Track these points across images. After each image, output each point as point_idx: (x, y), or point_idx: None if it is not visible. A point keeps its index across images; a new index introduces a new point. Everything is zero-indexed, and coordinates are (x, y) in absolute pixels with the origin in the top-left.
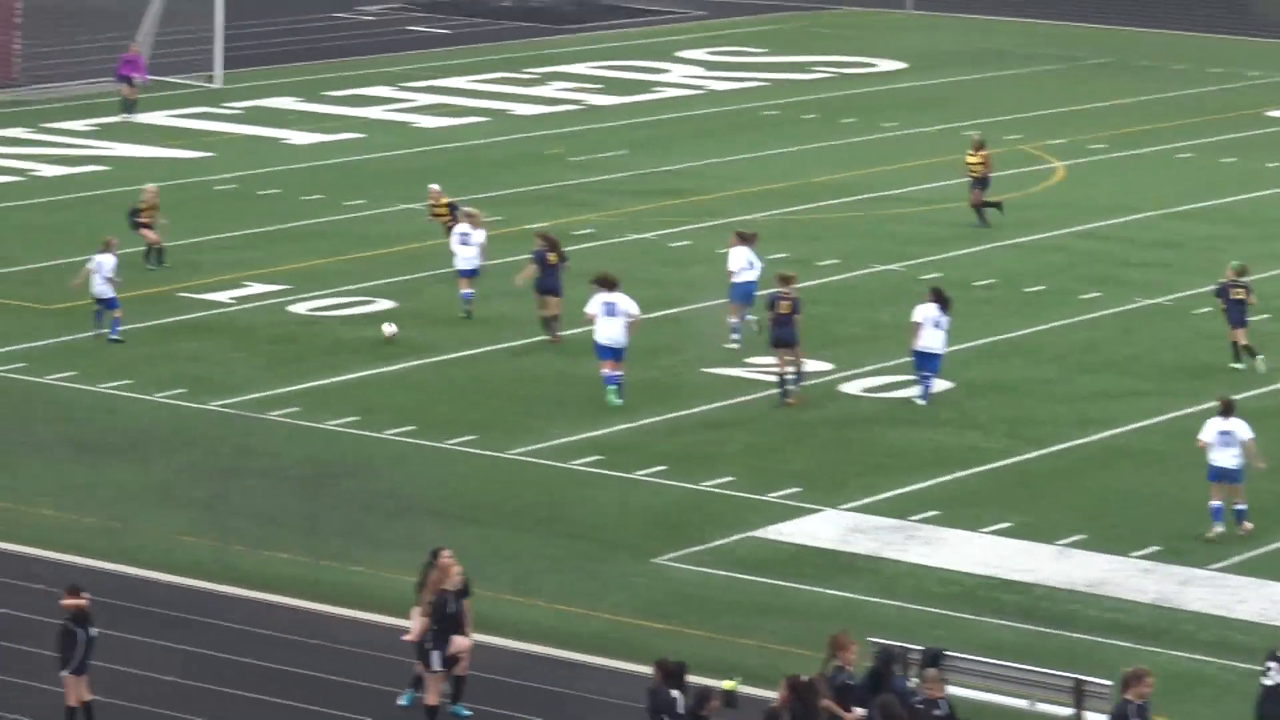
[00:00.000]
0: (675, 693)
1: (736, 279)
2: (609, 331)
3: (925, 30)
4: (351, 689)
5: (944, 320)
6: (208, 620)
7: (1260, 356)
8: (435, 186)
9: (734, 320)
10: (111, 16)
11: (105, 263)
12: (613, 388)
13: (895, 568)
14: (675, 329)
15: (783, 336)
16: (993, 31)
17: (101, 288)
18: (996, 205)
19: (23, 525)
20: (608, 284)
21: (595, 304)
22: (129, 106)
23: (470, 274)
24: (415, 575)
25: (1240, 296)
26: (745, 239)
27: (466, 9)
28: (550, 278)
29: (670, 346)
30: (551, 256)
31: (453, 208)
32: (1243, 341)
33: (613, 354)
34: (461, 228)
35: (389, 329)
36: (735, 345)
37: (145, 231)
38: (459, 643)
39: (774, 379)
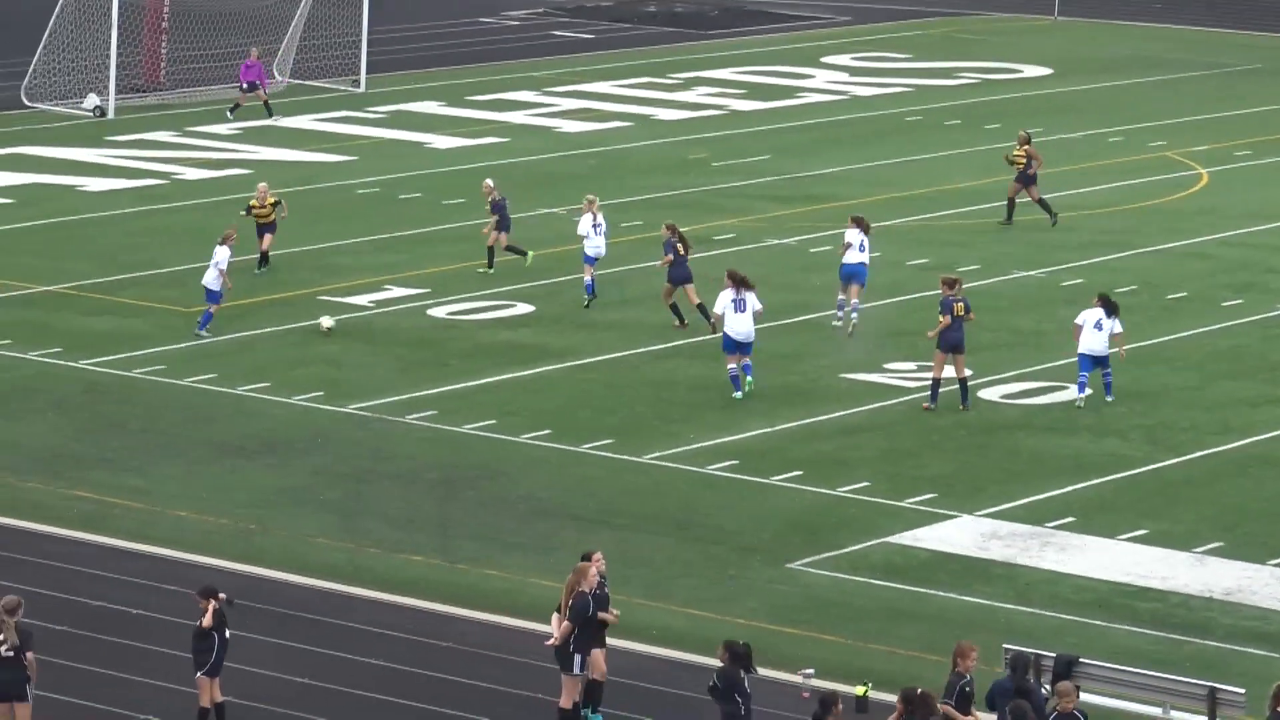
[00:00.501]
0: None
1: (846, 259)
2: (738, 326)
3: (1070, 36)
4: (482, 692)
5: (1105, 324)
6: (340, 622)
7: None
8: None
9: (841, 298)
10: (257, 21)
11: (219, 254)
12: (749, 379)
13: (1030, 574)
14: (814, 334)
15: (955, 340)
16: (1138, 37)
17: (212, 279)
18: (1046, 208)
19: (158, 527)
20: (736, 280)
21: (723, 300)
22: (262, 107)
23: (593, 261)
24: (548, 579)
25: None
26: (859, 222)
27: (610, 14)
28: (682, 266)
29: (809, 351)
30: (680, 246)
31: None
32: None
33: (739, 349)
34: (591, 217)
35: (327, 322)
36: (839, 324)
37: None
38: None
39: (932, 382)
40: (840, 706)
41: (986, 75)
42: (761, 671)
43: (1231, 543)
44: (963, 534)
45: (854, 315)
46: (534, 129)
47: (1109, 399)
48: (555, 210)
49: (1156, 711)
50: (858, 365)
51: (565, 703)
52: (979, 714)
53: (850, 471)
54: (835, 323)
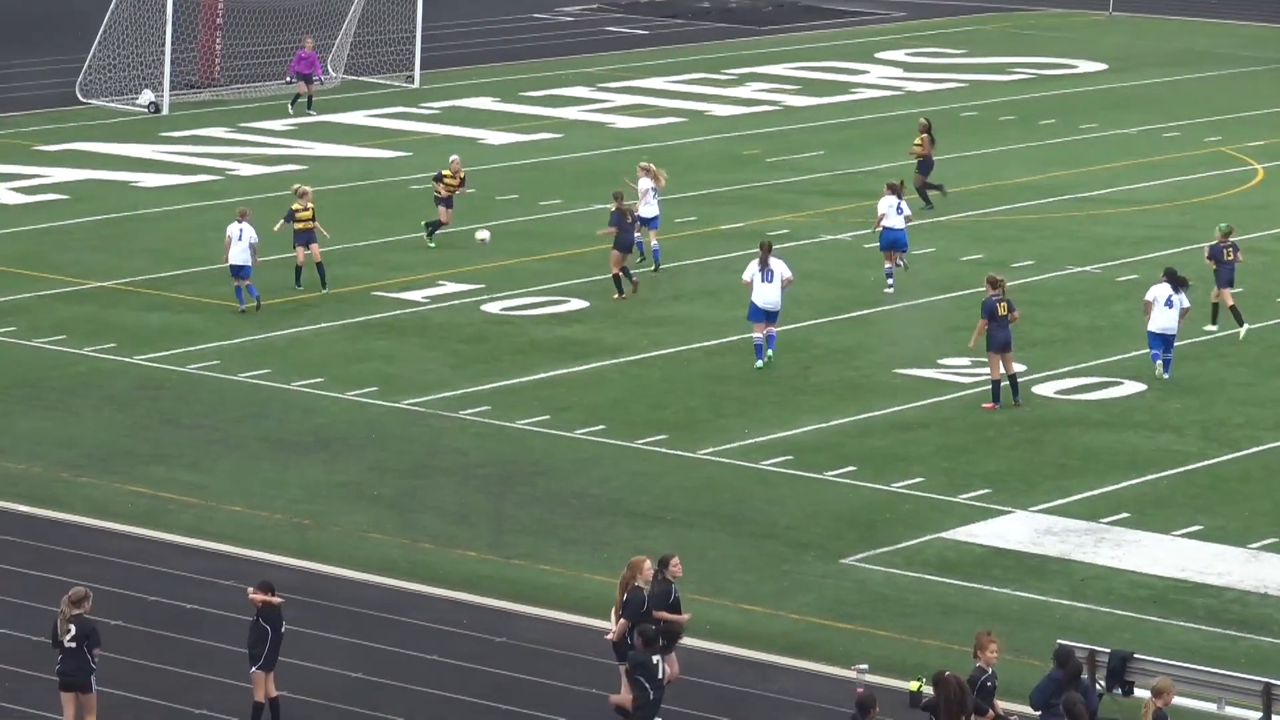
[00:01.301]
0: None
1: (886, 223)
2: (766, 295)
3: (1126, 31)
4: (538, 687)
5: (1175, 299)
6: (395, 618)
7: (1245, 327)
8: (456, 157)
9: (888, 266)
10: (311, 17)
11: (246, 231)
12: (770, 351)
13: (1085, 570)
14: (869, 330)
15: (1005, 339)
16: (1193, 33)
17: (241, 255)
18: (939, 188)
19: (214, 522)
20: (766, 249)
21: (751, 270)
22: (303, 101)
23: (653, 223)
24: (602, 574)
25: (1230, 259)
26: (893, 189)
27: (665, 10)
28: (627, 233)
29: (863, 347)
30: (628, 216)
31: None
32: (1229, 303)
33: (766, 317)
34: (646, 182)
35: (482, 234)
36: (890, 290)
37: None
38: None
39: (991, 383)
40: (878, 709)
41: (1041, 71)
42: (815, 667)
43: None
44: (1017, 529)
45: (901, 263)
46: (587, 125)
47: (1165, 377)
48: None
49: (1211, 707)
50: (912, 361)
51: (622, 700)
52: (1005, 705)
53: (905, 467)
54: (887, 289)
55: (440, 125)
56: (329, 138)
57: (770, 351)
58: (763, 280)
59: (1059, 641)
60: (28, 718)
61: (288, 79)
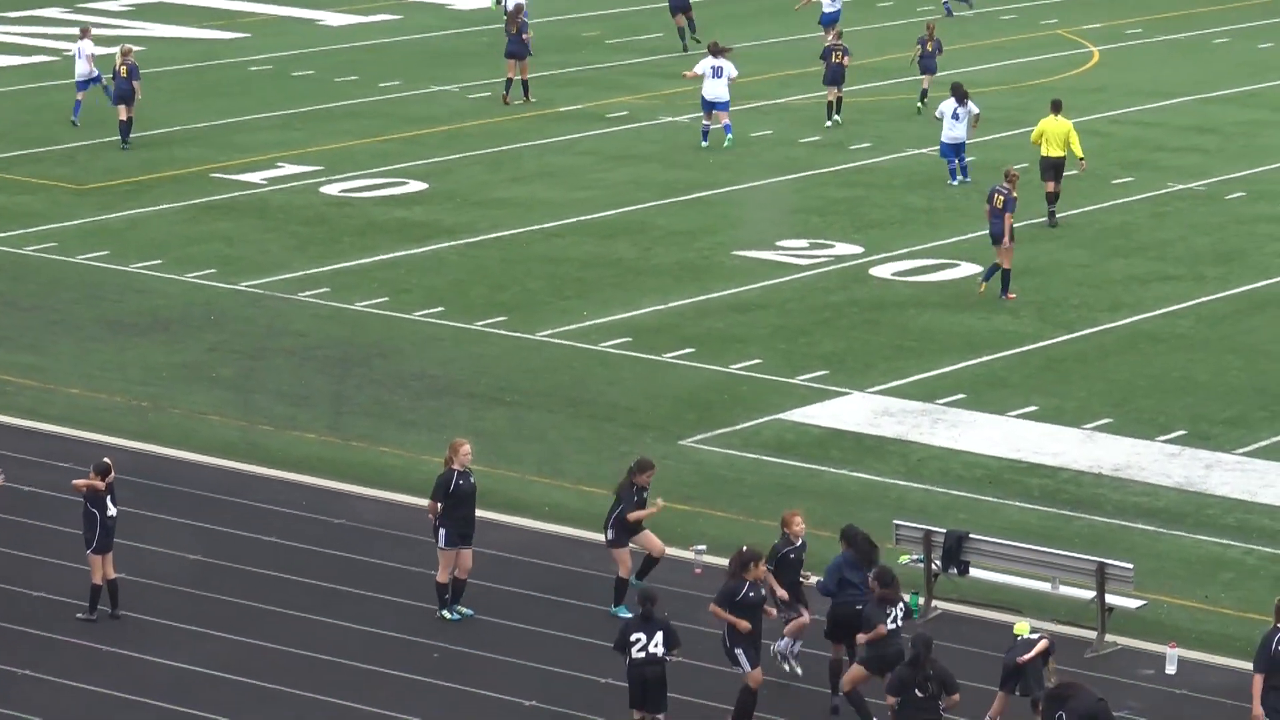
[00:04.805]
0: None
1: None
2: (715, 90)
3: None
4: (376, 569)
5: (962, 111)
6: (234, 499)
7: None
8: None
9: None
10: None
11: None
12: (729, 136)
13: (922, 451)
14: (708, 211)
15: (993, 231)
16: None
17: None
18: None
19: (52, 404)
20: (716, 50)
21: (703, 65)
22: None
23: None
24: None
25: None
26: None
27: None
28: (515, 42)
29: (702, 229)
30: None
31: None
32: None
33: (713, 107)
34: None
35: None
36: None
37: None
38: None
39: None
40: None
41: None
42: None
43: (1121, 419)
44: (855, 411)
45: (966, 179)
46: (427, 6)
47: (966, 181)
48: (448, 88)
49: (1046, 587)
50: (751, 243)
51: (441, 577)
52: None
53: (743, 349)
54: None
55: (279, 7)
56: (168, 19)
57: (730, 138)
58: (713, 76)
59: (897, 521)
60: None
61: None
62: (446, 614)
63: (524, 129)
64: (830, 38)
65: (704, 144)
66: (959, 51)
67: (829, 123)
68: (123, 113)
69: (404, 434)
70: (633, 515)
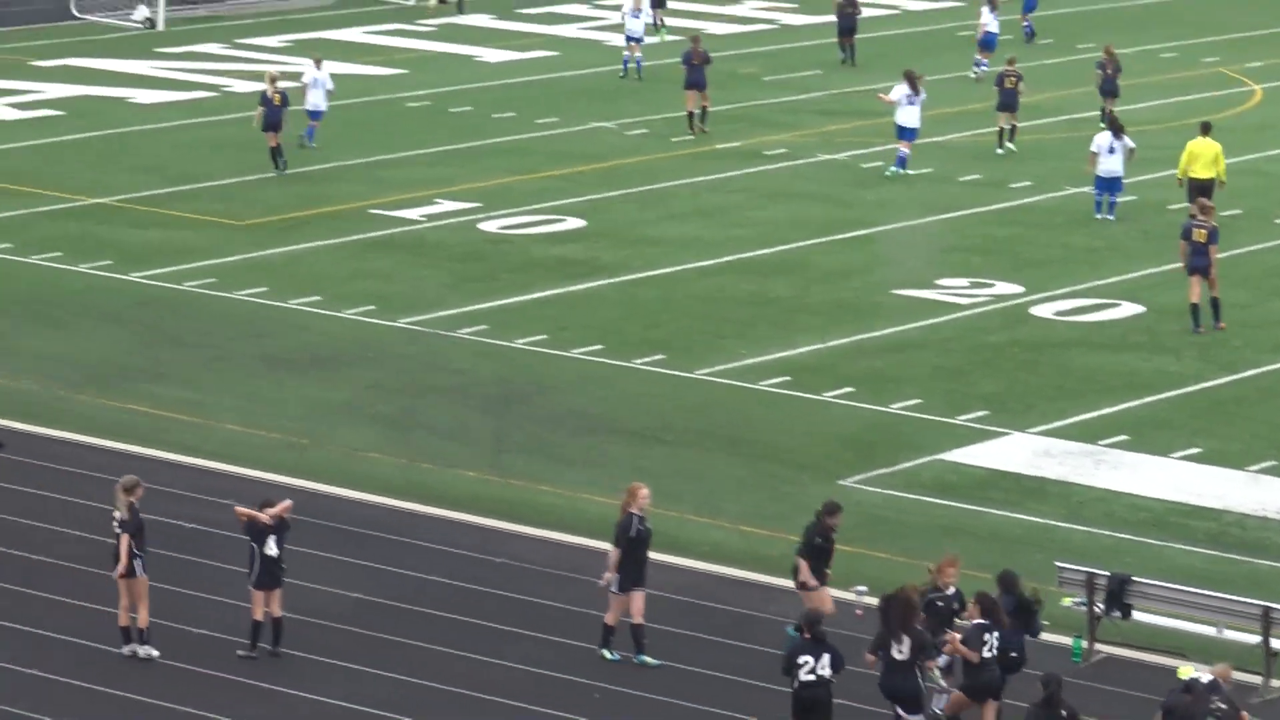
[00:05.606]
0: None
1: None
2: (907, 117)
3: None
4: (535, 607)
5: (1118, 145)
6: (392, 537)
7: None
8: None
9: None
10: None
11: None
12: (899, 168)
13: (1084, 493)
14: (866, 250)
15: (1198, 264)
16: None
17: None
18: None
19: (210, 440)
20: (912, 79)
21: (897, 92)
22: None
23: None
24: (600, 494)
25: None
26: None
27: None
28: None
29: (861, 268)
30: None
31: None
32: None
33: (908, 134)
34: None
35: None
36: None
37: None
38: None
39: (1190, 307)
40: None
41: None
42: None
43: None
44: (1016, 452)
45: (1110, 216)
46: (584, 43)
47: (1111, 218)
48: (605, 124)
49: (1210, 631)
50: (910, 281)
51: (609, 619)
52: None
53: (902, 388)
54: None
55: (437, 43)
56: (325, 55)
57: (901, 170)
58: (907, 103)
59: (1058, 564)
60: (36, 638)
61: None
62: (607, 654)
63: (681, 166)
64: (1000, 63)
65: (894, 170)
66: (1120, 89)
67: (1000, 150)
68: (272, 139)
69: (562, 472)
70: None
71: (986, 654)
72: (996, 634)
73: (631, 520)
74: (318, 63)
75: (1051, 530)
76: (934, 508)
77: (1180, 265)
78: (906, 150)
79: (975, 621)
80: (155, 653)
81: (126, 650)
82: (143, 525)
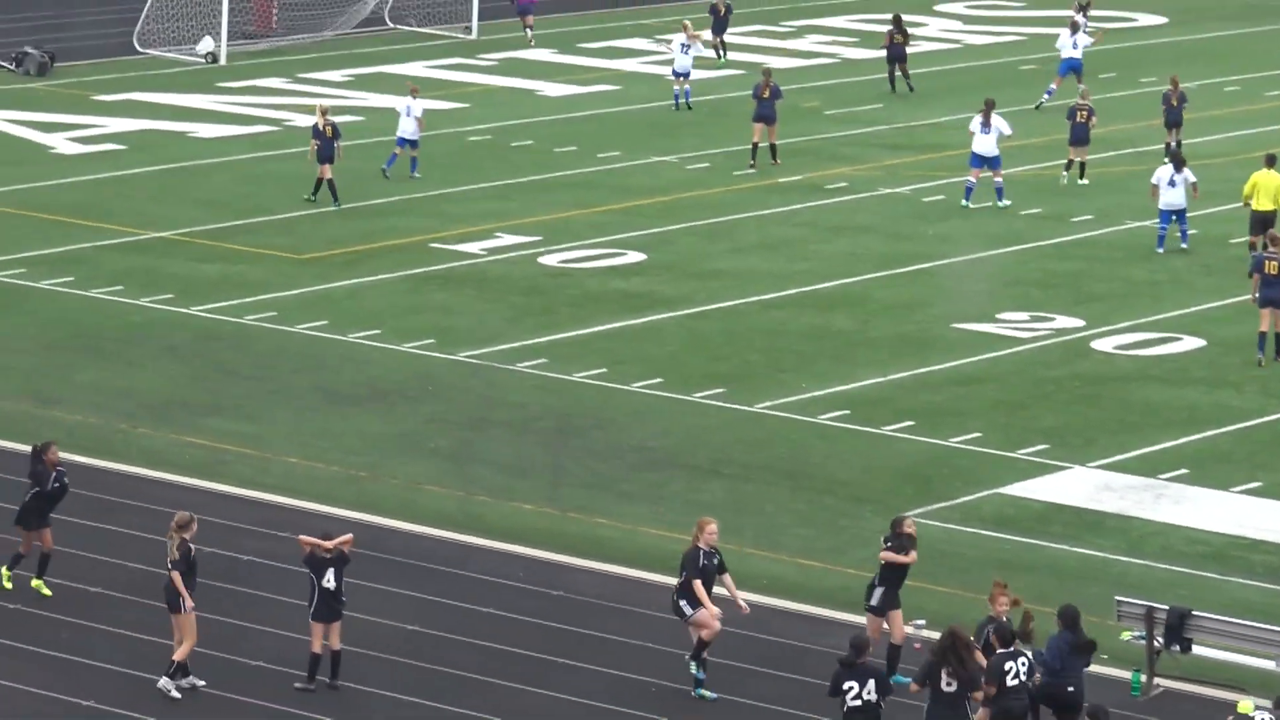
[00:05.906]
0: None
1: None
2: (983, 146)
3: None
4: (594, 640)
5: (1178, 178)
6: (451, 570)
7: None
8: None
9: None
10: None
11: (413, 108)
12: (1002, 200)
13: (1143, 526)
14: (927, 284)
15: (1270, 296)
16: None
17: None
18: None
19: (269, 474)
20: (989, 106)
21: (975, 123)
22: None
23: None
24: (659, 528)
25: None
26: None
27: None
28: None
29: (921, 301)
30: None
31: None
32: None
33: (982, 163)
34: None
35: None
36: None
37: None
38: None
39: (1259, 336)
40: (871, 650)
41: (1101, 24)
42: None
43: None
44: (1075, 486)
45: (1184, 245)
46: (645, 76)
47: (1184, 246)
48: (667, 158)
49: (1270, 665)
50: (970, 315)
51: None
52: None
53: (962, 422)
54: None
55: (498, 76)
56: (386, 89)
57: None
58: (982, 131)
59: (1118, 598)
60: (92, 669)
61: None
62: (694, 668)
63: (742, 200)
64: (1077, 96)
65: (964, 202)
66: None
67: (1063, 180)
68: (326, 171)
69: (621, 506)
70: (885, 556)
71: (1012, 681)
72: (1021, 660)
73: (698, 554)
74: (414, 92)
75: (1110, 564)
76: (992, 541)
77: (1250, 298)
78: (999, 180)
79: (998, 651)
80: (200, 682)
81: (185, 683)
82: (195, 564)
